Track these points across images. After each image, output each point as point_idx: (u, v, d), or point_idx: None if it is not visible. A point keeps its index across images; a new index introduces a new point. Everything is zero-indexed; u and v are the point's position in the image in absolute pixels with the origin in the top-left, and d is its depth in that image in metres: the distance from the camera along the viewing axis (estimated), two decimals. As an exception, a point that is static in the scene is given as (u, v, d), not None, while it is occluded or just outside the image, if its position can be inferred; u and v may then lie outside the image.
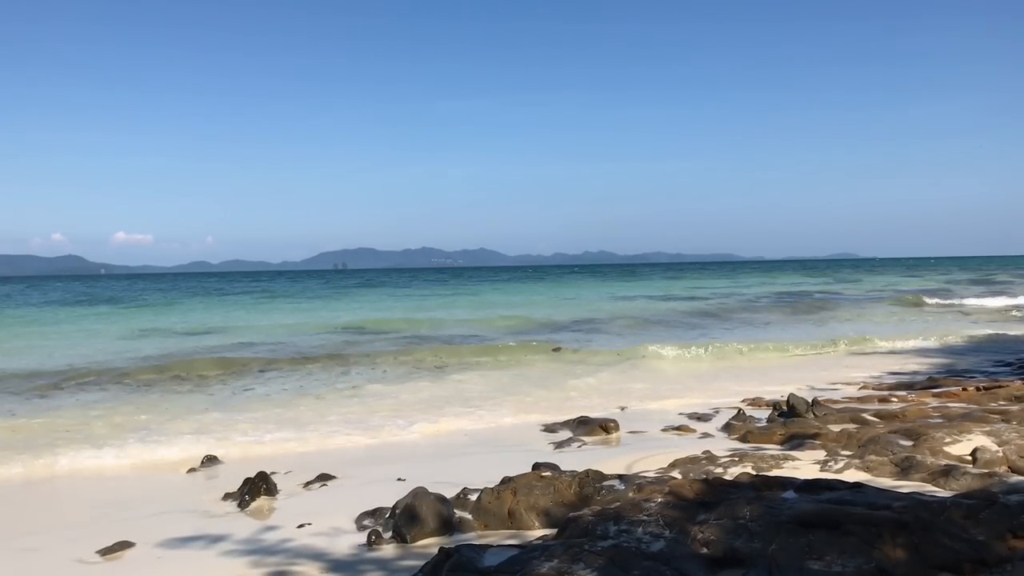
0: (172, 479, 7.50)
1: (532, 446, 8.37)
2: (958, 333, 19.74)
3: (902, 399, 10.33)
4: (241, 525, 5.83)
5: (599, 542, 3.61)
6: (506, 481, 5.65)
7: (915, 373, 13.38)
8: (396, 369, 15.39)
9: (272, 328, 24.70)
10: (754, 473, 5.62)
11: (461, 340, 20.70)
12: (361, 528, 5.51)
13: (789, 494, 4.30)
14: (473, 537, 5.14)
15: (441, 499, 5.45)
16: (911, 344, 17.95)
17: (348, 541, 5.24)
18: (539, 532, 5.02)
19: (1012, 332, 19.98)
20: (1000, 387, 10.28)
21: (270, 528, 5.68)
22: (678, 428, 9.03)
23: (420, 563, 4.11)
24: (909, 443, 6.89)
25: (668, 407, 10.58)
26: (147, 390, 13.09)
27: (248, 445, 8.67)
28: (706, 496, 4.20)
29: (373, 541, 5.13)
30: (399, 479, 6.82)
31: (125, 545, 5.36)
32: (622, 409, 10.51)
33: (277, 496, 6.58)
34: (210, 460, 8.04)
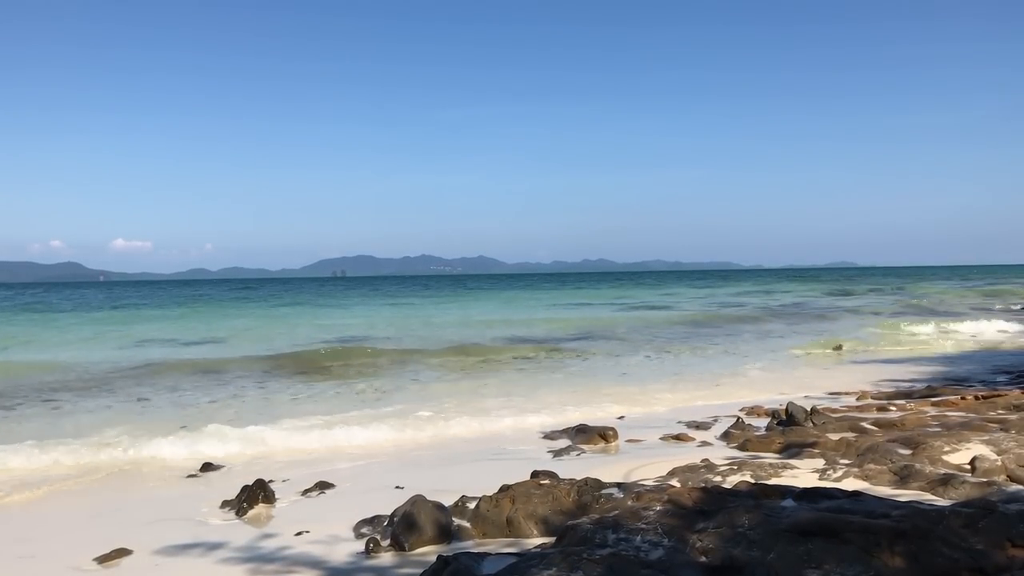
0: (170, 486, 7.48)
1: (530, 454, 8.36)
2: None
3: (901, 408, 10.32)
4: (239, 533, 5.81)
5: (597, 550, 3.60)
6: (504, 489, 5.64)
7: (914, 382, 13.39)
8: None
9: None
10: (753, 481, 5.61)
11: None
12: (359, 536, 5.50)
13: (788, 502, 4.30)
14: (471, 545, 5.13)
15: (439, 507, 5.44)
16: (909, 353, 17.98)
17: (346, 549, 5.23)
18: (537, 540, 5.00)
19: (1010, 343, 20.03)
20: (999, 396, 10.28)
21: (268, 536, 5.67)
22: (677, 436, 9.01)
23: (418, 571, 4.11)
24: (908, 452, 6.89)
25: (667, 415, 10.59)
26: (147, 396, 13.08)
27: (247, 451, 8.66)
28: (705, 504, 4.19)
29: (371, 549, 5.12)
30: (397, 487, 6.81)
31: (122, 552, 5.34)
32: (620, 418, 10.51)
33: (275, 504, 6.56)
34: (208, 467, 8.03)
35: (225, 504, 6.54)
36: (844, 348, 19.06)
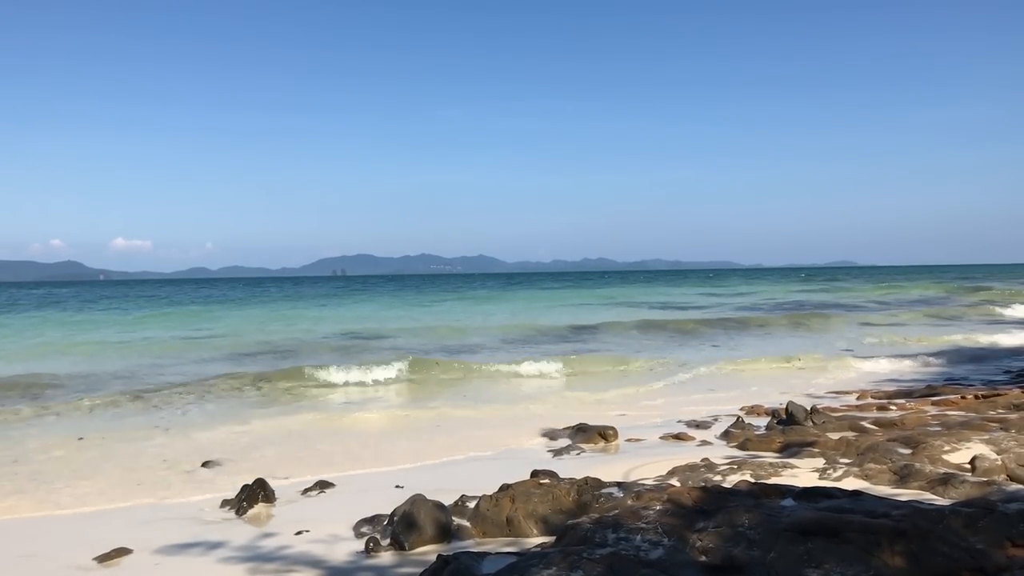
0: (170, 486, 7.47)
1: (530, 453, 8.36)
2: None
3: (901, 407, 10.33)
4: (239, 532, 5.81)
5: (597, 549, 3.60)
6: (504, 488, 5.64)
7: (914, 381, 13.39)
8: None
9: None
10: (753, 481, 5.61)
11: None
12: (359, 535, 5.50)
13: (788, 502, 4.30)
14: (471, 544, 5.13)
15: (439, 506, 5.44)
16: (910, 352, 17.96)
17: (346, 548, 5.23)
18: (537, 539, 5.01)
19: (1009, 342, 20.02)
20: (999, 395, 10.29)
21: (268, 535, 5.67)
22: (677, 435, 9.01)
23: (418, 570, 4.11)
24: (908, 451, 6.89)
25: (667, 414, 10.58)
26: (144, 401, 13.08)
27: (247, 452, 8.66)
28: (705, 504, 4.19)
29: (371, 548, 5.12)
30: (397, 486, 6.82)
31: (122, 552, 5.34)
32: (621, 416, 10.51)
33: (275, 503, 6.56)
34: (208, 466, 8.03)
35: (225, 503, 6.55)
36: (843, 347, 19.06)
